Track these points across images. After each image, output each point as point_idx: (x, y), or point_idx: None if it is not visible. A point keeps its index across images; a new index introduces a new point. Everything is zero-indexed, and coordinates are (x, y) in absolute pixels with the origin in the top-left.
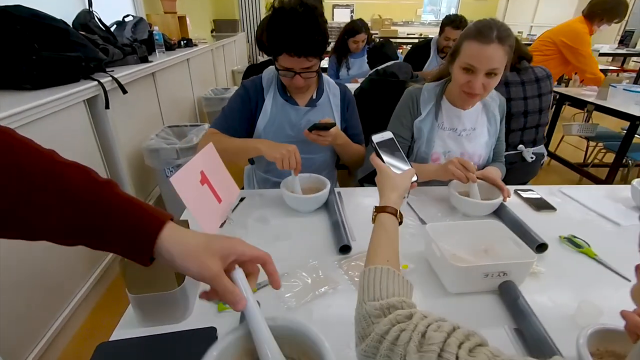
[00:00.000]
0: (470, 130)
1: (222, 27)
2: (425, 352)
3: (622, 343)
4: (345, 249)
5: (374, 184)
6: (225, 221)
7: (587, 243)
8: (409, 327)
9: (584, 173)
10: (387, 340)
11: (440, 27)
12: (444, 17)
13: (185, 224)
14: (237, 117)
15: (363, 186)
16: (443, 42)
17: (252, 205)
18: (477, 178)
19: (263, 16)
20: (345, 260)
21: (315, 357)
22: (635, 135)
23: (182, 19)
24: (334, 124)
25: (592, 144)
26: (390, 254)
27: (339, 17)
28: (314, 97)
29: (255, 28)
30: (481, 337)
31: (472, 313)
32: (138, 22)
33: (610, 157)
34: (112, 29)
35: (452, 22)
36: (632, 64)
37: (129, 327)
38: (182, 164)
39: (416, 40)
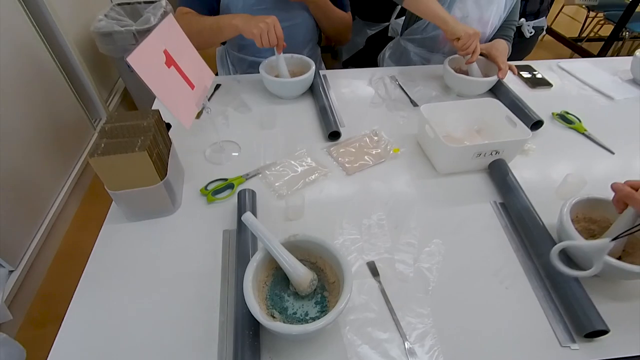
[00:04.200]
0: None
1: None
2: None
3: (600, 210)
4: (334, 135)
5: (360, 66)
6: (202, 110)
7: (578, 119)
8: None
9: (576, 48)
10: None
11: None
12: None
13: (156, 114)
14: None
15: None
16: None
17: (230, 92)
18: (481, 53)
19: None
20: (335, 146)
21: (329, 259)
22: None
23: None
24: None
25: (591, 15)
26: None
27: None
28: None
29: None
30: None
31: (461, 191)
32: None
33: (607, 31)
34: None
35: None
36: None
37: (117, 221)
38: None
39: None
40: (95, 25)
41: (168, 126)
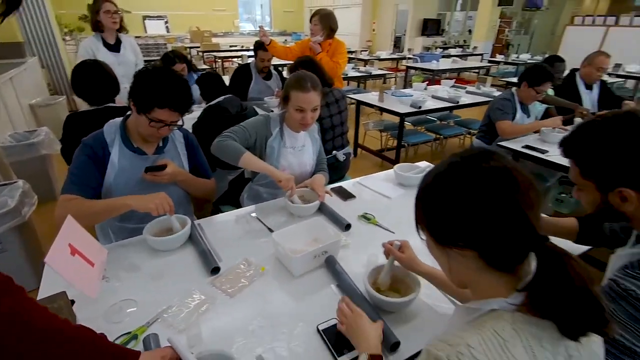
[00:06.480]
0: (302, 146)
1: (3, 53)
2: None
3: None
4: (215, 270)
5: (227, 204)
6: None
7: (373, 216)
8: None
9: (382, 157)
10: None
11: (254, 51)
12: (255, 42)
13: (64, 296)
14: (90, 174)
15: (220, 209)
16: (260, 64)
17: (118, 257)
18: (305, 186)
19: (56, 36)
20: (217, 278)
21: None
22: (406, 123)
23: None
24: (165, 166)
25: (384, 134)
26: None
27: (152, 29)
28: (161, 144)
29: (49, 50)
30: None
31: (312, 284)
32: None
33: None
34: None
35: (261, 45)
36: (402, 66)
37: None
38: None
39: (239, 54)
40: None
41: (72, 302)
